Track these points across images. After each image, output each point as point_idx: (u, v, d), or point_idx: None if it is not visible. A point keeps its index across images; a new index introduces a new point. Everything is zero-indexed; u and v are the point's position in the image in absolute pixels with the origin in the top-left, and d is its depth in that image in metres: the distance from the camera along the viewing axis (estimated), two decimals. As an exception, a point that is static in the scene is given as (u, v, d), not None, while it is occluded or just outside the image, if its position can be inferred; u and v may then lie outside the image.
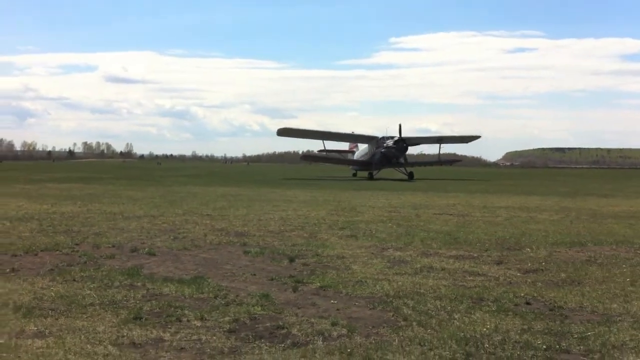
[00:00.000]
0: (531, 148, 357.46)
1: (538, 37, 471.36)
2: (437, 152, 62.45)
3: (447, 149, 72.64)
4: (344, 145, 69.94)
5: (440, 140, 61.45)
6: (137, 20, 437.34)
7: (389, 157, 54.19)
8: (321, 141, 59.69)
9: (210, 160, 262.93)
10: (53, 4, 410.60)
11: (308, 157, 73.54)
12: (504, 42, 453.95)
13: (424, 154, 77.64)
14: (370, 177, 53.60)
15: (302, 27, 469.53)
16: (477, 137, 65.44)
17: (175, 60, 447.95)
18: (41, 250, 11.59)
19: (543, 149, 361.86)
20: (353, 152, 66.77)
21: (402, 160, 54.91)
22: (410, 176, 52.75)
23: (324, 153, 65.54)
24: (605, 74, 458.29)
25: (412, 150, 63.51)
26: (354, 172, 62.69)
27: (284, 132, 57.11)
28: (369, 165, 56.23)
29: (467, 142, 67.61)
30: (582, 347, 6.27)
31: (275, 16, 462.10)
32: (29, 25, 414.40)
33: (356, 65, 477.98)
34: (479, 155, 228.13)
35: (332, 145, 67.12)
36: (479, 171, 74.11)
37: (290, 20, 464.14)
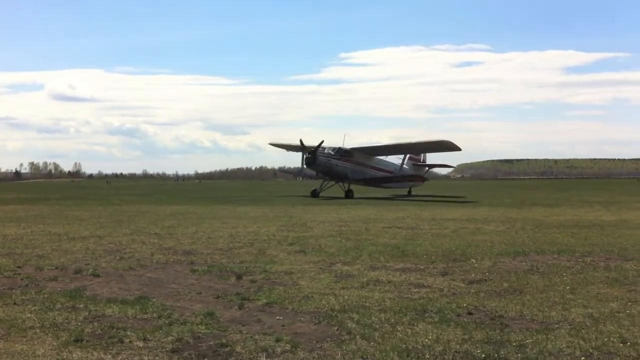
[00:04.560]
0: (481, 160, 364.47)
1: (484, 50, 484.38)
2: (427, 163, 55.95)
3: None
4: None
5: (398, 148, 51.64)
6: (83, 38, 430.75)
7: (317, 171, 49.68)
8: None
9: (162, 178, 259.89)
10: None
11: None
12: (451, 56, 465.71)
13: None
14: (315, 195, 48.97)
15: (252, 43, 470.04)
16: (455, 148, 47.51)
17: (123, 77, 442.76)
18: (-19, 275, 11.29)
19: (492, 161, 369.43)
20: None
21: (346, 174, 48.96)
22: (347, 194, 47.53)
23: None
24: (551, 86, 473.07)
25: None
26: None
27: (273, 144, 63.05)
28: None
29: (440, 151, 51.21)
30: (520, 355, 6.41)
31: (225, 32, 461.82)
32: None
33: (307, 80, 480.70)
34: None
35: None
36: (432, 184, 73.45)
37: (240, 36, 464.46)
